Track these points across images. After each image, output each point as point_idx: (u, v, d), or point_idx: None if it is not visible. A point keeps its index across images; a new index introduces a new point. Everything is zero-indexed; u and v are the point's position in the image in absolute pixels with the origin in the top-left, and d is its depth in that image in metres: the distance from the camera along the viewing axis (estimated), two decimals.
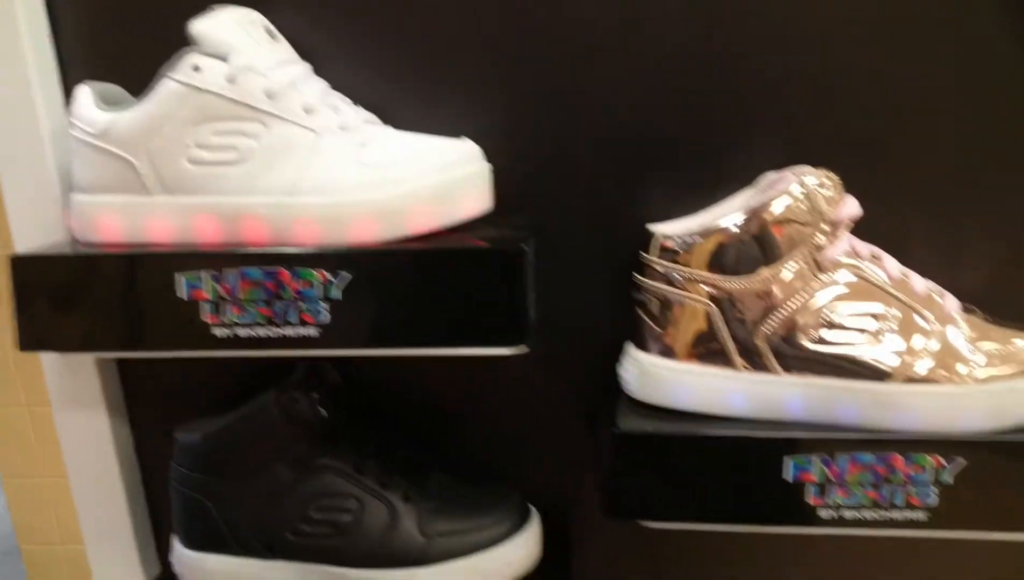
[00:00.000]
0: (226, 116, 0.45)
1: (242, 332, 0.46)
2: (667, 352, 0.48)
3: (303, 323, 0.45)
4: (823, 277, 0.45)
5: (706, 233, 0.46)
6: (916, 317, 0.45)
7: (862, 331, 0.44)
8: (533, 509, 0.57)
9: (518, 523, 0.54)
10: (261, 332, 0.45)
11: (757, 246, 0.45)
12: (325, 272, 0.44)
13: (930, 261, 0.50)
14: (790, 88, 0.50)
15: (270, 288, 0.45)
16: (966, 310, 0.46)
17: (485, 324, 0.44)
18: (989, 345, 0.45)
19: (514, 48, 0.51)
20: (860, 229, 0.48)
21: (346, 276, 0.44)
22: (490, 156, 0.48)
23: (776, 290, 0.45)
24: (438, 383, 0.59)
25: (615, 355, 0.52)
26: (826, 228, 0.45)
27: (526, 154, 0.53)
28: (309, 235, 0.45)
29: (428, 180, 0.44)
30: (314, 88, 0.46)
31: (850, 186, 0.47)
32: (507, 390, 0.58)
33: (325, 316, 0.45)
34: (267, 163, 0.45)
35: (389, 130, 0.47)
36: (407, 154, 0.44)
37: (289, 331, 0.45)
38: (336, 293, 0.44)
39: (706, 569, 0.61)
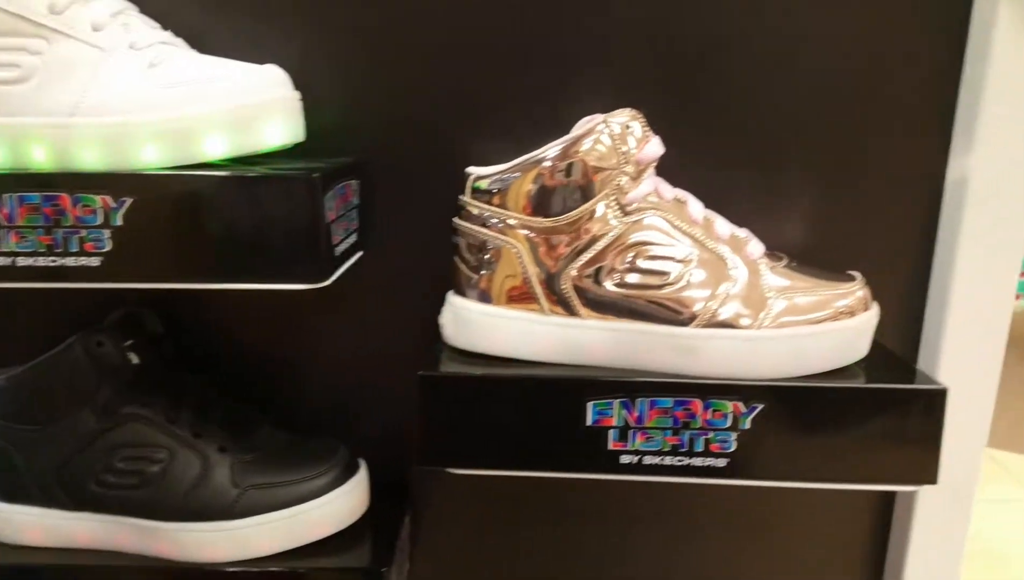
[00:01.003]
0: (7, 31, 0.42)
1: (22, 262, 0.43)
2: (483, 296, 0.47)
3: (84, 253, 0.42)
4: (627, 219, 0.44)
5: (517, 175, 0.45)
6: (718, 261, 0.44)
7: (664, 274, 0.44)
8: (361, 462, 0.55)
9: (341, 476, 0.53)
10: (41, 262, 0.43)
11: (566, 187, 0.44)
12: (107, 197, 0.42)
13: (745, 208, 0.50)
14: (618, 37, 0.50)
15: (49, 214, 0.42)
16: (772, 257, 0.46)
17: (279, 258, 0.42)
18: (791, 292, 0.44)
19: None
20: (678, 177, 0.47)
21: (129, 201, 0.42)
22: (319, 92, 0.48)
23: (583, 232, 0.44)
24: (272, 335, 0.57)
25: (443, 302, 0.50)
26: (630, 169, 0.44)
27: (356, 91, 0.52)
28: (93, 158, 0.42)
29: (221, 103, 0.42)
30: (105, 5, 0.44)
31: (671, 134, 0.46)
32: (344, 339, 0.57)
33: (107, 245, 0.42)
34: (50, 81, 0.42)
35: (189, 52, 0.45)
36: (201, 76, 0.42)
37: (70, 261, 0.43)
38: (118, 220, 0.42)
39: (547, 519, 0.60)
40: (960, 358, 0.55)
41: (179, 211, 0.42)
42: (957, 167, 0.52)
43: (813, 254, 0.50)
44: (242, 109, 0.42)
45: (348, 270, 0.49)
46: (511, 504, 0.60)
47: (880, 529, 0.61)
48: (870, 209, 0.53)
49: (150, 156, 0.42)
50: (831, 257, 0.52)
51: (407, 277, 0.54)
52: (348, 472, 0.53)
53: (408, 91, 0.52)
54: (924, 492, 0.56)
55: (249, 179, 0.41)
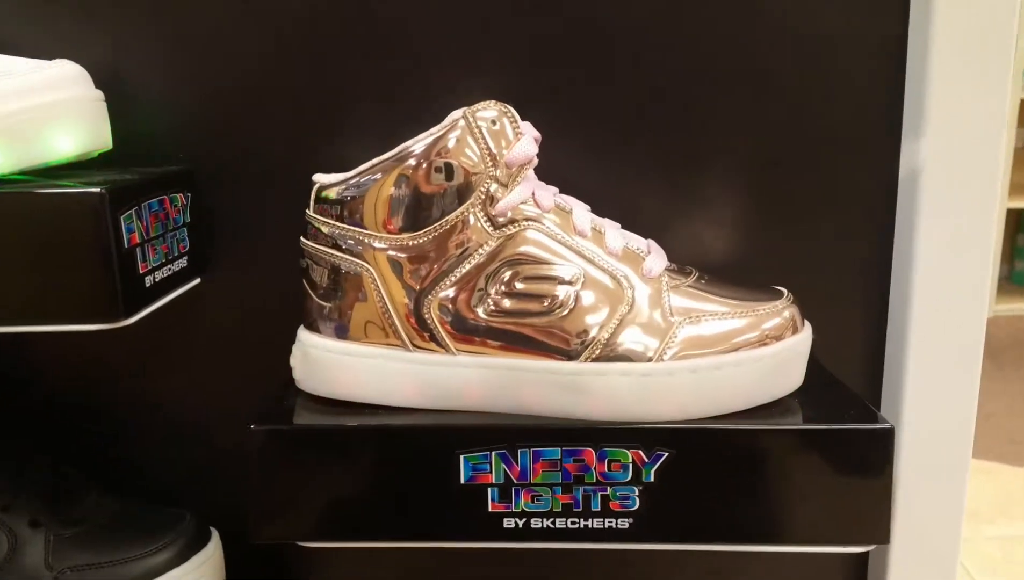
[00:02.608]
0: None
1: None
2: (336, 330, 0.45)
3: None
4: (497, 233, 0.42)
5: (375, 178, 0.43)
6: (611, 281, 0.42)
7: (546, 298, 0.42)
8: (214, 532, 0.53)
9: (185, 551, 0.50)
10: None
11: (430, 195, 0.42)
12: None
13: (655, 215, 0.49)
14: (497, 15, 0.48)
15: None
16: (678, 272, 0.44)
17: (64, 294, 0.40)
18: (700, 314, 0.42)
19: None
20: (573, 180, 0.46)
21: None
22: (140, 90, 0.46)
23: (450, 248, 0.42)
24: (105, 384, 0.55)
25: None
26: (499, 174, 0.42)
27: (188, 87, 0.50)
28: None
29: None
30: None
31: (564, 129, 0.46)
32: (190, 386, 0.55)
33: None
34: None
35: None
36: None
37: None
38: None
39: None
40: (929, 382, 0.53)
41: None
42: (909, 156, 0.50)
43: (741, 267, 0.48)
44: (20, 114, 0.40)
45: (181, 302, 0.47)
46: (403, 570, 0.58)
47: None
48: (810, 210, 0.51)
49: None
50: (766, 270, 0.50)
51: (256, 308, 0.52)
52: (194, 546, 0.51)
53: (253, 86, 0.50)
54: (897, 550, 0.55)
55: (12, 197, 0.39)
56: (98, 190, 0.38)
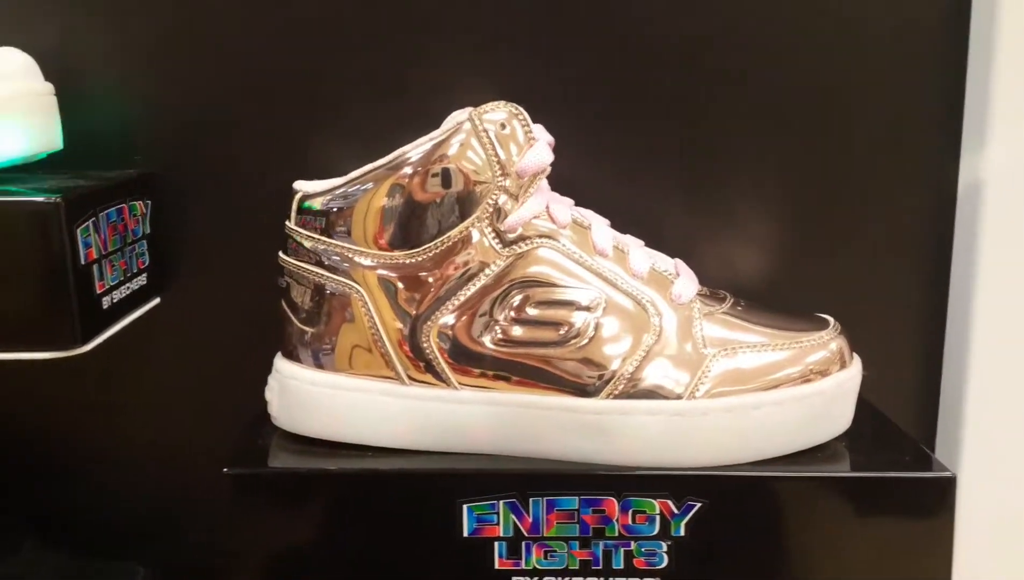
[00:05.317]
0: None
1: None
2: (320, 359, 0.46)
3: None
4: (506, 252, 0.43)
5: (366, 187, 0.44)
6: (633, 306, 0.44)
7: (561, 326, 0.43)
8: None
9: None
10: None
11: (421, 209, 0.44)
12: None
13: (682, 231, 0.50)
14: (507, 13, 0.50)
15: None
16: (712, 297, 0.46)
17: (8, 318, 0.41)
18: (736, 346, 0.44)
19: None
20: (590, 190, 0.47)
21: None
22: (93, 83, 0.47)
23: (451, 268, 0.43)
24: (44, 417, 0.55)
25: None
26: (507, 183, 0.43)
27: (149, 81, 0.51)
28: None
29: None
30: None
31: (581, 134, 0.47)
32: (144, 420, 0.56)
33: None
34: None
35: None
36: None
37: None
38: None
39: None
40: (993, 422, 0.54)
41: None
42: (970, 168, 0.51)
43: (781, 293, 0.50)
44: None
45: (138, 326, 0.48)
46: None
47: None
48: (859, 228, 0.52)
49: None
50: (809, 296, 0.51)
51: (226, 333, 0.53)
52: None
53: (223, 77, 0.51)
54: None
55: None
56: (53, 199, 0.39)
